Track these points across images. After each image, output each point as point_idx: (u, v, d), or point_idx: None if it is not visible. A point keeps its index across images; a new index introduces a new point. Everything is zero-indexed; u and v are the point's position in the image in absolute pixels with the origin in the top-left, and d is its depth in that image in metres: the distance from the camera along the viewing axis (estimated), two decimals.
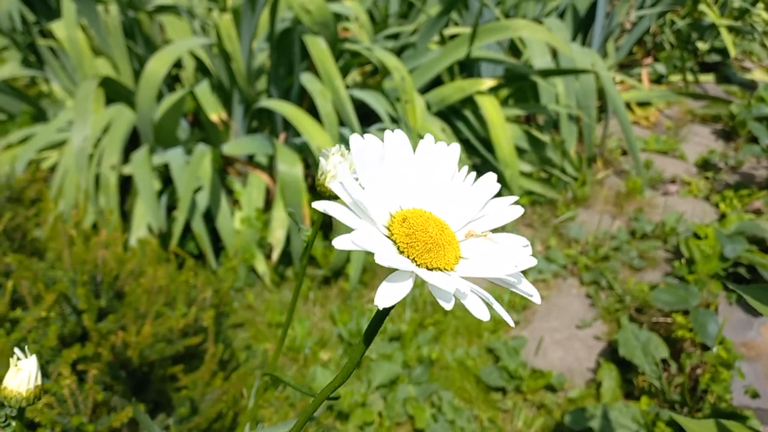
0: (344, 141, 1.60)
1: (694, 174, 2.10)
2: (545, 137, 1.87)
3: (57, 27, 1.69)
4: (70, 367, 0.76)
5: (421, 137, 1.41)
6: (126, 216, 1.58)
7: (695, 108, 2.51)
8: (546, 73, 1.73)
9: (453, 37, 1.85)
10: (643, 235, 1.77)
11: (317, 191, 0.45)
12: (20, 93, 1.79)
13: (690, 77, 2.64)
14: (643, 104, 2.48)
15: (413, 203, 0.31)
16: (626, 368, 1.33)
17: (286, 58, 1.69)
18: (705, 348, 1.30)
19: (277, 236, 1.52)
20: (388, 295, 0.27)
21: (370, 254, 1.18)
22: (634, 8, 2.38)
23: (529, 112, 1.91)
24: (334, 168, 0.44)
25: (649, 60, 2.65)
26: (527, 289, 0.30)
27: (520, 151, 1.88)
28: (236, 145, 1.60)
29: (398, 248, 0.29)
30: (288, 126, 1.73)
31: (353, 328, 1.45)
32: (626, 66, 2.65)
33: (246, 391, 1.19)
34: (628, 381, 1.31)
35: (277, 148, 1.51)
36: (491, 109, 1.71)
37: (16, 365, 0.40)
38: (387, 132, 0.32)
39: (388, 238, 0.30)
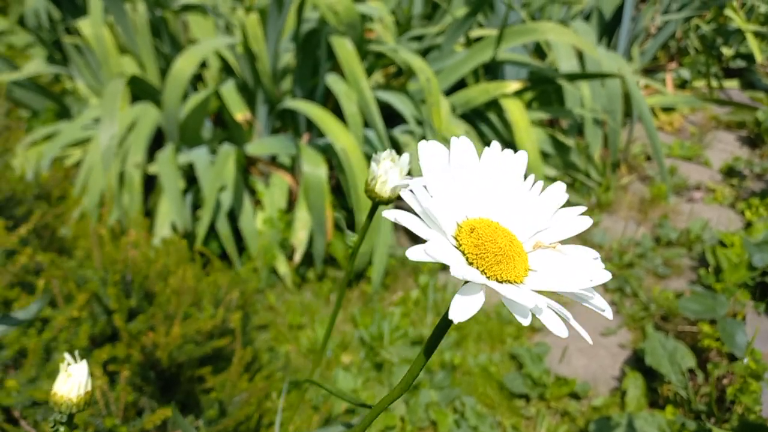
0: (368, 142, 1.59)
1: (718, 181, 2.07)
2: (570, 141, 1.86)
3: (83, 24, 1.70)
4: (101, 367, 0.75)
5: (446, 140, 1.41)
6: (149, 214, 1.58)
7: (720, 114, 2.48)
8: (573, 77, 1.72)
9: (478, 39, 1.83)
10: (668, 242, 1.75)
11: (367, 195, 0.45)
12: (45, 90, 1.80)
13: (714, 83, 2.60)
14: (667, 109, 2.45)
15: (480, 212, 0.30)
16: (651, 377, 1.31)
17: (311, 59, 1.68)
18: (732, 358, 1.27)
19: (299, 237, 1.52)
20: (462, 309, 0.26)
21: (392, 257, 1.18)
22: (660, 12, 2.35)
23: (553, 116, 1.89)
24: (384, 173, 0.43)
25: (673, 65, 2.62)
26: (600, 303, 0.29)
27: (544, 155, 1.86)
28: (260, 145, 1.60)
29: (467, 259, 0.29)
30: (311, 126, 1.72)
31: (375, 332, 1.44)
32: (650, 71, 2.62)
33: (270, 394, 1.18)
34: (653, 390, 1.29)
35: (302, 149, 1.51)
36: (516, 112, 1.69)
37: (66, 371, 0.39)
38: (453, 139, 0.31)
39: (456, 248, 0.29)
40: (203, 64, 1.80)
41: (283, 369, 1.21)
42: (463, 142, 0.31)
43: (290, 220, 1.60)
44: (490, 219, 0.30)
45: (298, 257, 1.52)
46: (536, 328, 1.50)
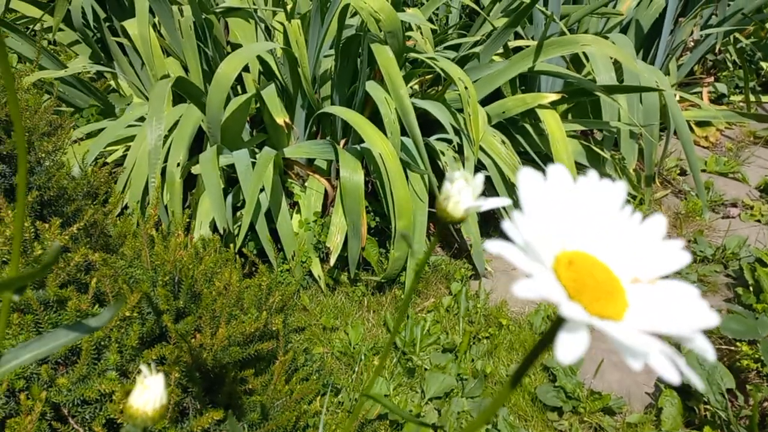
0: (405, 149, 1.60)
1: (756, 198, 2.04)
2: (605, 153, 1.85)
3: (129, 25, 1.73)
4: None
5: (483, 149, 1.40)
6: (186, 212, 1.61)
7: (757, 130, 2.45)
8: (612, 90, 1.71)
9: (516, 49, 1.83)
10: (703, 258, 1.73)
11: (436, 215, 0.45)
12: (89, 87, 1.84)
13: (753, 98, 2.57)
14: (703, 124, 2.42)
15: (576, 244, 0.31)
16: (688, 395, 1.30)
17: (350, 65, 1.69)
18: None
19: (335, 241, 1.53)
20: (569, 349, 0.26)
21: (427, 264, 1.18)
22: (699, 26, 2.33)
23: (589, 128, 1.88)
24: (458, 193, 0.43)
25: (709, 79, 2.59)
26: (703, 344, 0.28)
27: (579, 167, 1.86)
28: (298, 149, 1.62)
29: (567, 294, 0.29)
30: (347, 132, 1.73)
31: (407, 337, 1.45)
32: (686, 84, 2.59)
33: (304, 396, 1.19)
34: (689, 409, 1.28)
35: (340, 154, 1.52)
36: (553, 123, 1.69)
37: (143, 383, 0.40)
38: (550, 166, 0.32)
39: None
40: (244, 68, 1.82)
41: (318, 372, 1.22)
42: (559, 170, 0.32)
43: (325, 224, 1.61)
44: (587, 251, 0.31)
45: (333, 260, 1.53)
46: None
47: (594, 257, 0.31)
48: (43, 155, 0.96)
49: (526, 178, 0.31)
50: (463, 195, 0.44)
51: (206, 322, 0.89)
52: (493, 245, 0.28)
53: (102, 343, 0.80)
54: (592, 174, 0.33)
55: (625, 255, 0.31)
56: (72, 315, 0.76)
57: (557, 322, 0.30)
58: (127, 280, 0.85)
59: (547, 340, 0.31)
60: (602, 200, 0.32)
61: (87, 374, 0.77)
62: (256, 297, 1.02)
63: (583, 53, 2.01)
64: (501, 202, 0.45)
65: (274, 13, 1.94)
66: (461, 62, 1.82)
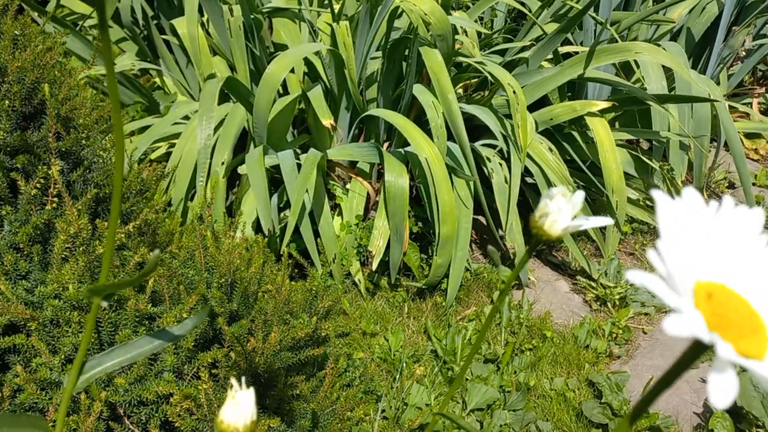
0: (450, 154, 1.58)
1: None
2: (654, 164, 1.80)
3: (178, 23, 1.74)
4: (207, 371, 0.76)
5: (530, 156, 1.38)
6: (229, 211, 1.61)
7: None
8: (663, 99, 1.67)
9: (565, 55, 1.80)
10: None
11: (531, 232, 0.43)
12: (134, 84, 1.85)
13: None
14: (753, 136, 2.36)
15: (712, 275, 0.29)
16: (738, 417, 1.26)
17: (396, 67, 1.68)
18: None
19: (377, 245, 1.52)
20: (723, 392, 0.24)
21: (468, 272, 1.17)
22: (752, 36, 2.27)
23: (638, 137, 1.84)
24: (557, 212, 0.42)
25: (760, 90, 2.52)
26: None
27: (626, 176, 1.81)
28: (342, 151, 1.61)
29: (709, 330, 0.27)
30: (391, 134, 1.72)
31: (448, 346, 1.43)
32: (735, 95, 2.53)
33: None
34: None
35: (386, 158, 1.51)
36: (602, 131, 1.65)
37: (234, 397, 0.39)
38: (685, 189, 0.30)
39: None
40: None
41: (361, 378, 1.20)
42: (692, 195, 0.30)
43: (367, 227, 1.60)
44: (723, 282, 0.29)
45: (375, 265, 1.52)
46: (614, 354, 1.46)
47: (731, 289, 0.28)
48: (102, 153, 0.96)
49: (662, 201, 0.29)
50: (561, 213, 0.42)
51: (258, 325, 0.88)
52: (635, 277, 0.26)
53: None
54: (728, 199, 0.31)
55: (763, 287, 0.29)
56: (131, 315, 0.76)
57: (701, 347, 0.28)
58: (183, 281, 0.85)
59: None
60: (738, 227, 0.30)
61: (144, 375, 0.77)
62: (306, 301, 1.01)
63: (633, 60, 1.97)
64: (603, 221, 0.43)
65: (318, 14, 1.94)
66: (508, 67, 1.80)
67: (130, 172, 1.15)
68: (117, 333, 0.75)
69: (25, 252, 0.82)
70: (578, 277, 1.67)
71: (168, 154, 1.73)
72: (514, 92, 1.52)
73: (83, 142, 0.96)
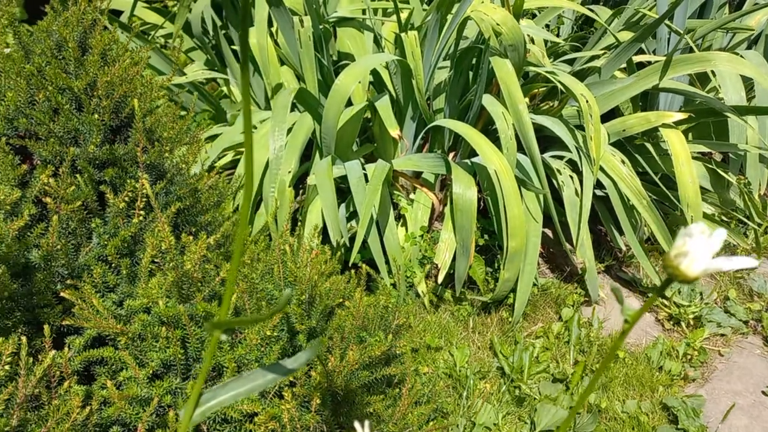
0: (519, 166, 1.55)
1: None
2: (731, 178, 1.73)
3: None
4: (289, 389, 0.76)
5: (602, 169, 1.33)
6: (293, 218, 1.62)
7: None
8: (742, 110, 1.60)
9: (638, 65, 1.74)
10: None
11: (666, 267, 0.41)
12: (202, 92, 1.88)
13: None
14: None
15: None
16: None
17: (464, 77, 1.66)
18: None
19: (443, 258, 1.50)
20: None
21: (535, 286, 1.15)
22: None
23: (715, 150, 1.77)
24: (696, 251, 0.39)
25: None
26: None
27: (701, 190, 1.75)
28: (408, 162, 1.59)
29: None
30: (457, 144, 1.70)
31: (515, 363, 1.40)
32: None
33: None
34: None
35: (453, 170, 1.49)
36: (677, 143, 1.59)
37: None
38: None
39: None
40: None
41: (430, 395, 1.19)
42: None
43: (432, 239, 1.58)
44: None
45: (441, 278, 1.50)
46: (689, 377, 1.40)
47: None
48: (183, 165, 0.97)
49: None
50: (700, 254, 0.40)
51: (336, 343, 0.87)
52: None
53: (243, 361, 0.80)
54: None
55: None
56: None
57: None
58: (264, 296, 0.85)
59: None
60: None
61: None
62: (382, 318, 1.00)
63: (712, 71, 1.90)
64: (746, 263, 0.40)
65: (382, 22, 1.94)
66: (578, 76, 1.75)
67: (201, 179, 1.16)
68: (203, 349, 0.76)
69: (113, 265, 0.83)
70: (650, 295, 1.62)
71: (234, 161, 1.76)
72: (587, 102, 1.48)
73: (166, 154, 0.97)
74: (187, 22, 1.91)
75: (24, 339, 0.68)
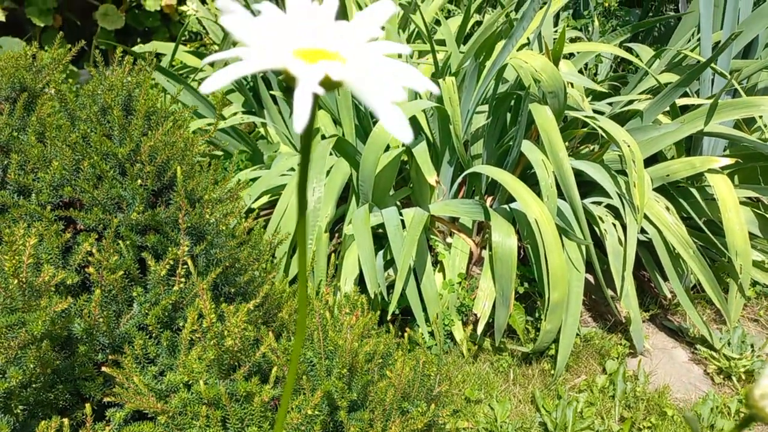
0: (560, 213, 1.51)
1: None
2: None
3: None
4: None
5: (646, 216, 1.29)
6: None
7: None
8: None
9: (682, 108, 1.70)
10: None
11: (748, 407, 0.38)
12: (240, 134, 1.90)
13: None
14: None
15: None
16: None
17: (501, 121, 1.64)
18: None
19: (482, 308, 1.47)
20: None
21: (577, 336, 1.12)
22: None
23: (763, 195, 1.71)
24: None
25: None
26: None
27: (750, 236, 1.69)
28: (445, 207, 1.57)
29: None
30: (494, 189, 1.67)
31: (558, 419, 1.35)
32: None
33: None
34: None
35: (492, 217, 1.46)
36: (724, 189, 1.55)
37: None
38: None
39: None
40: None
41: None
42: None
43: (470, 286, 1.55)
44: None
45: (480, 328, 1.47)
46: None
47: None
48: (224, 228, 0.96)
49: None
50: None
51: (377, 416, 0.85)
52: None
53: None
54: None
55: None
56: (258, 410, 0.75)
57: None
58: (306, 370, 0.83)
59: None
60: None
61: None
62: (422, 383, 0.97)
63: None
64: None
65: (417, 64, 1.93)
66: (618, 119, 1.72)
67: (237, 226, 1.15)
68: (243, 428, 0.74)
69: (154, 334, 0.82)
70: (698, 346, 1.56)
71: (270, 202, 1.76)
72: (630, 148, 1.44)
73: (207, 216, 0.97)
74: (226, 65, 1.94)
75: (66, 421, 0.67)
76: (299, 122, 0.23)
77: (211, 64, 1.97)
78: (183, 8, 2.31)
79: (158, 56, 2.08)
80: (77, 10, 2.52)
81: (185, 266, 0.86)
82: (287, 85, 0.25)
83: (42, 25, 2.31)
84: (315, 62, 0.24)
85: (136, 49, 2.15)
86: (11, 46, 2.14)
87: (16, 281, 0.67)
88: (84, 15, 2.51)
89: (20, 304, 0.68)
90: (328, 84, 0.24)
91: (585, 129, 1.69)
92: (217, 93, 2.16)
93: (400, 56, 1.53)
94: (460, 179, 1.68)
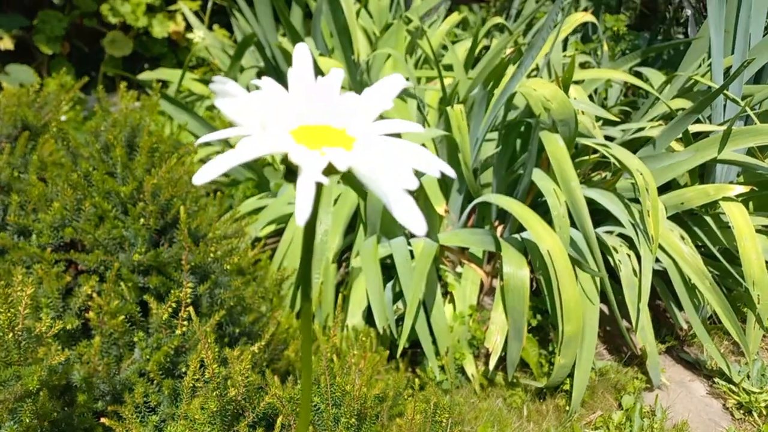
0: (572, 243, 1.48)
1: None
2: None
3: None
4: None
5: (660, 246, 1.26)
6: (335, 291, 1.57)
7: None
8: None
9: (694, 135, 1.67)
10: None
11: None
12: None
13: None
14: None
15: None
16: None
17: (511, 149, 1.62)
18: None
19: (494, 342, 1.43)
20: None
21: (592, 370, 1.09)
22: None
23: None
24: None
25: None
26: None
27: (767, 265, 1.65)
28: (455, 237, 1.55)
29: None
30: (504, 218, 1.65)
31: None
32: None
33: None
34: None
35: (503, 248, 1.43)
36: (739, 217, 1.51)
37: None
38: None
39: None
40: None
41: None
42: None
43: (482, 318, 1.52)
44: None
45: (492, 363, 1.43)
46: None
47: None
48: (229, 267, 0.94)
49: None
50: None
51: None
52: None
53: None
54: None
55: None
56: None
57: None
58: (313, 418, 0.80)
59: None
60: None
61: None
62: (428, 419, 0.94)
63: None
64: None
65: (424, 89, 1.92)
66: (630, 145, 1.69)
67: (242, 257, 1.13)
68: None
69: (155, 381, 0.80)
70: (716, 379, 1.51)
71: (277, 231, 1.73)
72: (643, 177, 1.41)
73: (211, 255, 0.94)
74: None
75: None
76: (301, 215, 0.20)
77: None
78: (190, 35, 2.31)
79: (165, 84, 2.07)
80: (85, 37, 2.53)
81: (189, 309, 0.83)
82: (288, 167, 0.23)
83: (50, 53, 2.32)
84: (318, 147, 0.22)
85: (144, 75, 2.15)
86: (19, 74, 2.15)
87: (11, 335, 0.64)
88: (92, 41, 2.52)
89: (16, 357, 0.66)
90: (333, 170, 0.22)
91: (596, 156, 1.66)
92: (225, 120, 2.15)
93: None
94: (469, 208, 1.65)
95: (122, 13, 2.33)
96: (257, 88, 0.28)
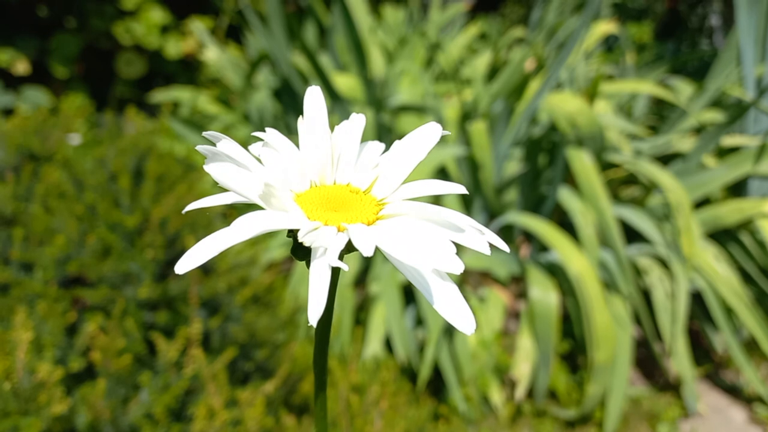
0: (602, 264, 1.42)
1: None
2: None
3: None
4: None
5: (695, 268, 1.19)
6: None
7: None
8: None
9: (728, 149, 1.60)
10: None
11: None
12: None
13: None
14: None
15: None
16: None
17: (534, 167, 1.56)
18: None
19: (522, 370, 1.36)
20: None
21: (627, 399, 1.01)
22: None
23: None
24: None
25: None
26: None
27: None
28: (478, 259, 1.48)
29: None
30: (529, 238, 1.58)
31: None
32: None
33: None
34: None
35: (529, 271, 1.37)
36: None
37: None
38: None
39: None
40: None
41: None
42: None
43: (507, 344, 1.45)
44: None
45: (520, 392, 1.36)
46: None
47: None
48: (240, 299, 0.89)
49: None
50: None
51: None
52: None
53: None
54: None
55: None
56: None
57: None
58: None
59: None
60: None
61: None
62: None
63: None
64: None
65: (442, 104, 1.87)
66: (661, 159, 1.63)
67: (258, 284, 1.08)
68: None
69: (162, 425, 0.75)
70: (755, 405, 1.43)
71: (290, 256, 1.68)
72: (675, 194, 1.35)
73: (222, 286, 0.89)
74: (248, 113, 1.89)
75: None
76: (314, 313, 0.15)
77: (245, 117, 1.93)
78: (202, 57, 2.28)
79: (177, 104, 2.05)
80: (99, 57, 2.52)
81: (199, 348, 0.78)
82: (296, 241, 0.18)
83: (65, 78, 2.30)
84: (335, 221, 0.17)
85: (156, 96, 2.12)
86: (35, 98, 2.13)
87: (10, 386, 0.59)
88: (105, 61, 2.51)
89: (14, 408, 0.61)
90: (353, 248, 0.17)
91: (625, 172, 1.59)
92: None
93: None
94: (492, 227, 1.59)
95: (137, 34, 2.31)
96: (260, 139, 0.23)
